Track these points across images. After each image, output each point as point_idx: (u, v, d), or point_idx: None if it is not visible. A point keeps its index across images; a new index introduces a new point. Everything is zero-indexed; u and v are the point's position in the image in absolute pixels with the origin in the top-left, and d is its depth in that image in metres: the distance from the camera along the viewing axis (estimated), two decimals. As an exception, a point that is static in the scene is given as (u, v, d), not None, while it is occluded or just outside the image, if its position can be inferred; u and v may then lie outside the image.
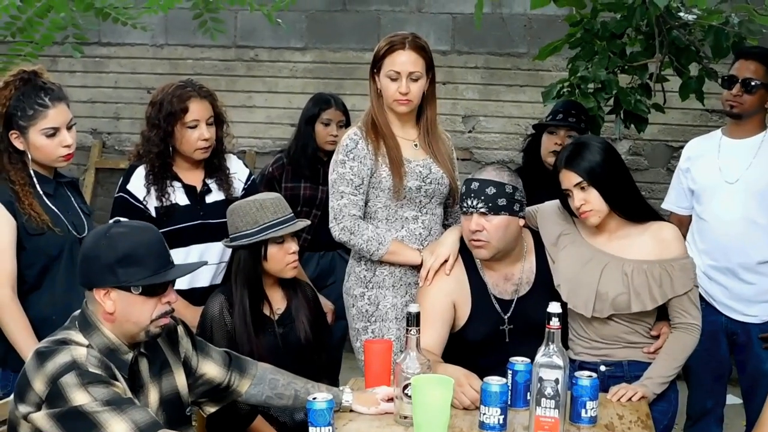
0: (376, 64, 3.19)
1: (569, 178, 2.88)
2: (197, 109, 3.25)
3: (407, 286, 3.19)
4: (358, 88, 5.62)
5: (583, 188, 2.86)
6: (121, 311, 2.27)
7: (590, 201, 2.86)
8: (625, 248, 2.91)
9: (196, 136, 3.24)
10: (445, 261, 3.01)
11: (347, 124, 4.30)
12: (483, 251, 2.93)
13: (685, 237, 3.54)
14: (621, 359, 2.95)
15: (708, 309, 3.45)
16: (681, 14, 3.92)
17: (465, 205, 2.92)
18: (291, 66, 5.91)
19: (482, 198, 2.90)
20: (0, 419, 2.41)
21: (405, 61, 3.12)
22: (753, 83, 3.49)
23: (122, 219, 3.12)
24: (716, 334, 3.49)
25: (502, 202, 2.90)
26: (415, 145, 3.23)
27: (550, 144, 3.91)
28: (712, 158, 3.59)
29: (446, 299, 2.96)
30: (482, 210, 2.90)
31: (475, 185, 2.92)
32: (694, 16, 3.91)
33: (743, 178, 3.49)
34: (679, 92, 4.16)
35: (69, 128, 2.97)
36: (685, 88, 4.13)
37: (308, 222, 3.16)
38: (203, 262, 2.56)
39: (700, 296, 3.18)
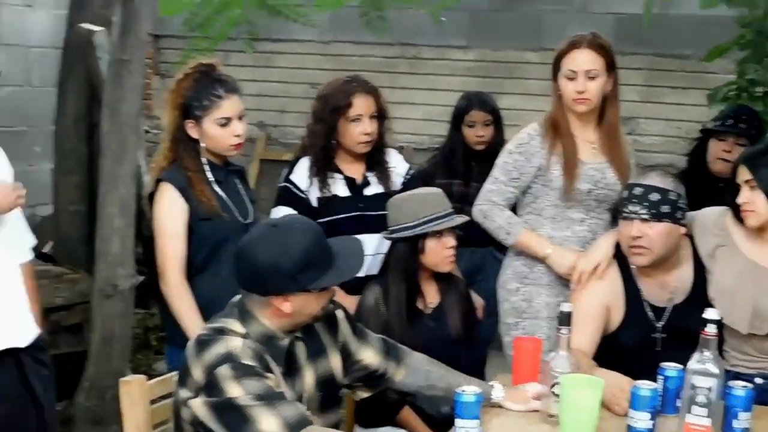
0: (556, 65, 3.20)
1: (741, 173, 2.82)
2: (361, 104, 3.33)
3: (563, 286, 3.19)
4: (519, 88, 5.64)
5: (752, 187, 2.80)
6: (299, 310, 2.33)
7: (754, 202, 2.79)
8: None
9: (359, 131, 3.33)
10: (598, 265, 3.00)
11: (495, 123, 4.33)
12: (642, 258, 2.88)
13: None
14: None
15: None
16: None
17: (626, 210, 2.87)
18: (452, 64, 5.96)
19: (645, 204, 2.85)
20: (167, 392, 2.55)
21: (582, 60, 3.13)
22: None
23: (283, 208, 3.26)
24: None
25: (665, 209, 2.85)
26: (594, 148, 3.22)
27: (717, 150, 3.81)
28: None
29: (600, 302, 2.93)
30: (644, 216, 2.84)
31: (638, 190, 2.87)
32: None
33: None
34: None
35: (240, 119, 3.10)
36: None
37: (467, 218, 3.21)
38: (363, 250, 2.52)
39: None
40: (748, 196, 2.80)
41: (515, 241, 3.22)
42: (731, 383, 2.50)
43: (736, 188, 2.85)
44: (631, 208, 2.86)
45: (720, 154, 3.78)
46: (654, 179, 2.92)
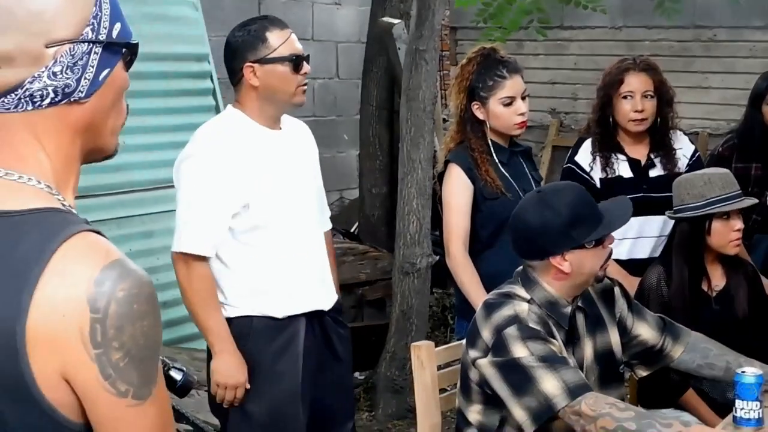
0: None
1: None
2: (633, 81, 3.36)
3: None
4: (822, 68, 5.31)
5: None
6: (578, 268, 2.41)
7: None
8: None
9: (629, 108, 3.35)
10: None
11: None
12: None
13: None
14: None
15: None
16: None
17: None
18: (750, 46, 5.72)
19: None
20: (453, 359, 2.73)
21: None
22: None
23: None
24: None
25: None
26: None
27: None
28: None
29: None
30: None
31: None
32: None
33: None
34: None
35: (523, 98, 3.21)
36: None
37: (756, 200, 3.12)
38: (629, 203, 2.58)
39: None
40: None
41: None
42: None
43: None
44: None
45: None
46: None
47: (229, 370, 2.73)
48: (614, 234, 2.52)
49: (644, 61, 3.45)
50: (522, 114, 3.20)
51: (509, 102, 3.18)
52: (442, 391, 2.70)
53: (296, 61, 2.79)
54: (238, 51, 2.78)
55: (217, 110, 4.71)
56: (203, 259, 2.74)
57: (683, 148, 3.49)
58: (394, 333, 4.06)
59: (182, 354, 3.81)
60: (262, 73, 2.75)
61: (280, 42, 2.77)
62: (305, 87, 2.86)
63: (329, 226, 3.15)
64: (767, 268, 3.70)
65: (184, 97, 4.67)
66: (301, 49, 2.85)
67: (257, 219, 2.76)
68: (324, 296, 2.94)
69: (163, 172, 4.25)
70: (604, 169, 3.40)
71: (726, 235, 3.03)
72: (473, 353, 2.40)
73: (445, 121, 6.19)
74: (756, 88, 4.26)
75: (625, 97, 3.37)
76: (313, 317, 2.89)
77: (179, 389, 1.41)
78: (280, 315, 2.81)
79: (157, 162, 4.30)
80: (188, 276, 2.74)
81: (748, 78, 5.14)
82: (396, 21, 5.38)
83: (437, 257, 4.33)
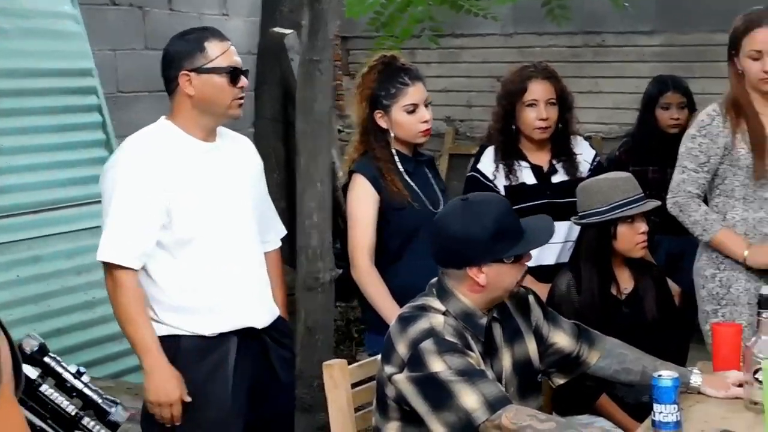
0: (734, 46, 3.11)
1: None
2: (536, 89, 3.36)
3: (761, 271, 3.09)
4: (708, 71, 5.46)
5: None
6: (493, 282, 2.38)
7: None
8: None
9: (534, 116, 3.35)
10: None
11: (689, 106, 4.23)
12: None
13: None
14: None
15: None
16: None
17: None
18: (639, 50, 5.85)
19: None
20: (366, 377, 2.65)
21: (765, 38, 3.03)
22: None
23: None
24: None
25: None
26: None
27: None
28: None
29: None
30: None
31: None
32: None
33: None
34: None
35: (426, 106, 3.18)
36: None
37: (659, 202, 3.16)
38: (551, 221, 2.58)
39: None
40: None
41: (711, 239, 3.14)
42: None
43: None
44: None
45: None
46: None
47: (162, 386, 2.64)
48: None
49: (545, 68, 3.45)
50: (426, 121, 3.16)
51: (412, 109, 3.14)
52: (357, 409, 2.62)
53: (234, 74, 2.74)
54: (175, 59, 2.73)
55: (104, 127, 4.54)
56: (129, 270, 2.65)
57: (584, 154, 3.51)
58: (300, 350, 3.95)
59: (122, 387, 3.63)
60: (198, 83, 2.71)
61: (218, 53, 2.73)
62: (242, 100, 2.81)
63: (277, 244, 3.09)
64: (668, 268, 3.76)
65: (68, 114, 4.47)
66: (240, 62, 2.81)
67: (182, 232, 2.69)
68: (259, 314, 2.86)
69: (50, 193, 4.07)
70: (507, 177, 3.40)
71: (632, 239, 3.05)
72: (389, 369, 2.35)
73: (340, 131, 6.12)
74: (648, 92, 4.35)
75: (529, 105, 3.36)
76: (248, 336, 2.81)
77: (109, 423, 1.33)
78: (208, 333, 2.73)
79: (43, 183, 4.12)
80: (114, 288, 2.66)
81: (638, 82, 5.25)
82: (288, 31, 5.29)
83: (340, 270, 4.27)
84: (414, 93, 3.14)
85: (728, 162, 3.12)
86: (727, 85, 3.28)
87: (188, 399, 2.68)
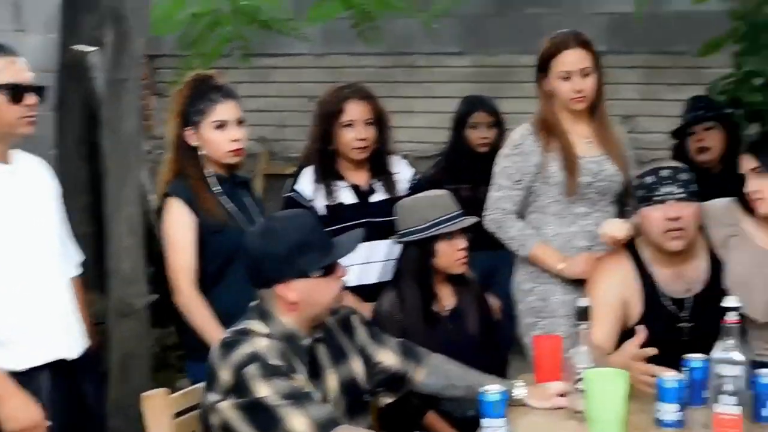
0: (544, 67, 3.20)
1: (747, 162, 2.82)
2: (353, 110, 3.35)
3: (577, 283, 3.17)
4: (516, 92, 5.62)
5: (760, 175, 2.79)
6: (305, 298, 2.35)
7: (764, 190, 2.79)
8: None
9: (351, 136, 3.34)
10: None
11: (498, 124, 4.35)
12: (679, 242, 2.84)
13: None
14: None
15: None
16: None
17: (658, 193, 2.84)
18: (448, 71, 5.97)
19: (679, 183, 2.83)
20: (188, 406, 2.53)
21: (574, 59, 3.14)
22: None
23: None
24: None
25: (695, 188, 2.86)
26: (589, 142, 3.23)
27: (692, 145, 3.96)
28: None
29: (616, 296, 2.92)
30: (680, 196, 2.82)
31: (666, 172, 2.86)
32: None
33: None
34: None
35: (239, 124, 3.10)
36: None
37: (477, 218, 3.21)
38: (361, 231, 2.62)
39: None
40: (757, 184, 2.80)
41: (528, 254, 3.21)
42: (758, 371, 2.49)
43: (740, 178, 2.86)
44: (664, 189, 2.83)
45: (697, 145, 3.94)
46: (673, 162, 2.95)
47: (22, 410, 2.49)
48: (342, 261, 2.47)
49: (361, 88, 3.45)
50: (236, 140, 3.08)
51: (221, 125, 3.06)
52: (181, 440, 2.50)
53: (15, 91, 2.58)
54: None
55: None
56: None
57: (402, 172, 3.53)
58: (115, 380, 3.76)
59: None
60: None
61: None
62: (32, 118, 2.65)
63: (76, 271, 2.93)
64: (483, 283, 3.81)
65: None
66: (29, 78, 2.65)
67: None
68: (69, 345, 2.72)
69: None
70: (326, 197, 3.37)
71: (452, 255, 3.08)
72: (213, 396, 2.28)
73: (149, 152, 5.89)
74: (458, 112, 4.45)
75: (346, 126, 3.34)
76: (60, 369, 2.66)
77: None
78: (20, 367, 2.56)
79: None
80: None
81: (448, 102, 5.36)
82: (90, 49, 5.05)
83: (155, 296, 4.10)
84: (223, 110, 3.06)
85: (541, 179, 3.20)
86: (535, 104, 3.38)
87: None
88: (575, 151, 3.18)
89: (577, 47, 3.15)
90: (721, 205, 2.98)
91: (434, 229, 3.05)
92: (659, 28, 5.42)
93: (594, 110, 3.24)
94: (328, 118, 3.37)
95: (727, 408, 2.35)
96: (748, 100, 3.86)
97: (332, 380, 2.47)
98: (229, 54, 4.72)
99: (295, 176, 3.47)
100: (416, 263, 3.09)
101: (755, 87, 3.89)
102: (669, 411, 2.44)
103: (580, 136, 3.23)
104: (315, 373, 2.41)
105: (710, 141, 3.93)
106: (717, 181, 3.77)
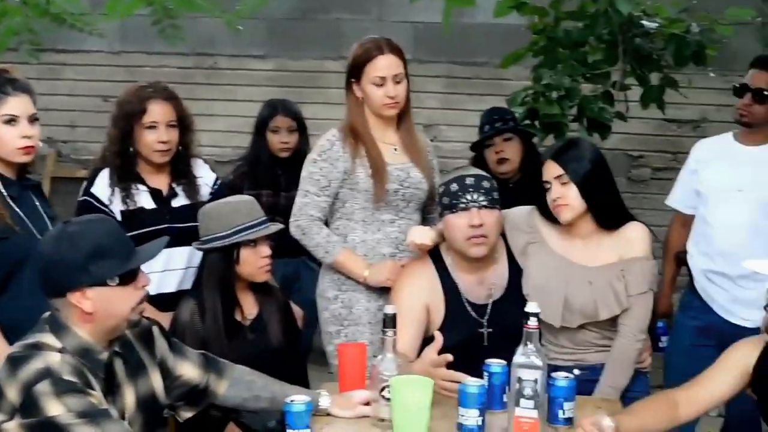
0: (355, 72, 3.18)
1: (551, 170, 2.89)
2: (156, 111, 3.23)
3: (381, 290, 3.17)
4: (320, 97, 5.62)
5: (563, 183, 2.87)
6: (102, 308, 2.22)
7: (567, 196, 2.87)
8: (592, 256, 2.92)
9: (153, 138, 3.22)
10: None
11: (299, 129, 4.31)
12: (482, 248, 2.89)
13: (687, 236, 3.60)
14: (594, 363, 2.94)
15: (704, 308, 3.50)
16: (644, 22, 3.97)
17: (463, 200, 2.87)
18: (251, 74, 5.88)
19: (482, 191, 2.88)
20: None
21: (387, 65, 3.14)
22: (764, 93, 3.44)
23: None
24: (708, 332, 3.47)
25: (496, 195, 2.92)
26: (395, 150, 3.24)
27: (492, 156, 4.03)
28: (722, 163, 3.54)
29: (420, 303, 2.94)
30: (483, 203, 2.87)
31: (470, 180, 2.90)
32: (657, 24, 3.97)
33: (753, 186, 3.44)
34: (641, 101, 4.22)
35: (32, 122, 2.93)
36: (646, 96, 4.19)
37: (282, 225, 3.15)
38: (166, 238, 2.52)
39: (698, 295, 3.34)
40: (560, 192, 2.88)
41: (333, 261, 3.18)
42: (554, 374, 2.56)
43: (538, 188, 2.94)
44: (468, 197, 2.87)
45: (495, 157, 4.01)
46: (476, 170, 2.99)
47: None
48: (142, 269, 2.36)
49: (165, 89, 3.33)
50: (27, 137, 2.90)
51: (11, 120, 2.88)
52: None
53: None
54: None
55: None
56: None
57: (205, 177, 3.42)
58: None
59: None
60: None
61: None
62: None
63: None
64: (284, 291, 3.75)
65: None
66: None
67: None
68: None
69: None
70: (124, 201, 3.23)
71: (255, 263, 3.02)
72: None
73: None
74: (260, 116, 4.37)
75: (149, 128, 3.21)
76: None
77: None
78: None
79: None
80: None
81: (250, 106, 5.27)
82: None
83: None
84: (15, 104, 2.89)
85: (348, 186, 3.18)
86: (338, 110, 3.35)
87: None
88: (383, 158, 3.18)
89: (390, 53, 3.16)
90: (521, 212, 3.05)
91: (238, 235, 2.98)
92: (462, 39, 5.53)
93: (401, 118, 3.25)
94: (129, 118, 3.22)
95: (526, 411, 2.41)
96: (546, 111, 3.97)
97: (129, 396, 2.35)
98: (16, 48, 4.42)
99: (90, 179, 3.30)
100: (218, 271, 3.00)
101: (552, 100, 4.02)
102: (471, 416, 2.46)
103: (388, 143, 3.24)
104: (111, 389, 2.29)
105: (509, 152, 4.02)
106: (515, 190, 3.89)
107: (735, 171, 3.49)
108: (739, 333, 3.45)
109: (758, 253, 3.38)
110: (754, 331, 3.45)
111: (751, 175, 3.46)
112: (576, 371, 2.89)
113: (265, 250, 3.03)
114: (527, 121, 4.05)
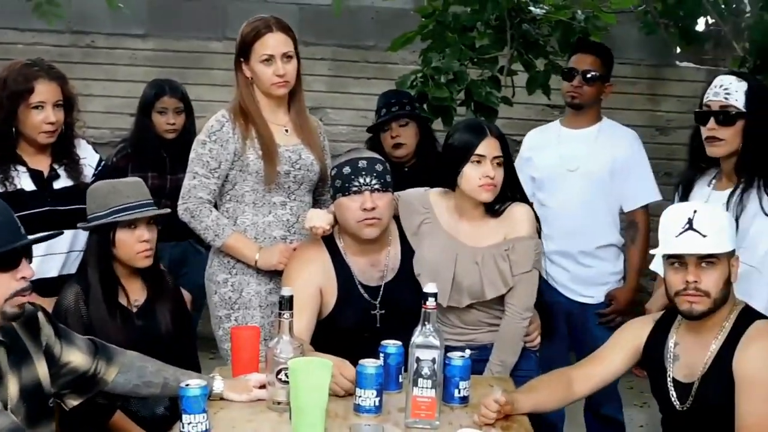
0: (244, 52, 3.12)
1: (492, 148, 2.87)
2: (44, 91, 3.11)
3: (272, 273, 3.12)
4: (203, 78, 5.51)
5: (499, 164, 2.89)
6: None
7: (496, 177, 2.87)
8: (481, 236, 2.95)
9: (40, 119, 3.10)
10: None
11: (186, 110, 4.21)
12: (374, 230, 2.89)
13: None
14: (485, 343, 2.98)
15: (550, 290, 3.63)
16: (531, 8, 4.04)
17: (356, 183, 2.86)
18: (131, 54, 5.71)
19: (374, 174, 2.88)
20: None
21: (276, 43, 3.08)
22: (591, 74, 3.70)
23: None
24: (557, 314, 3.57)
25: (389, 178, 2.92)
26: (286, 131, 3.19)
27: (388, 140, 4.05)
28: (552, 148, 3.77)
29: (312, 286, 2.91)
30: (376, 187, 2.87)
31: (363, 163, 2.89)
32: (543, 11, 4.04)
33: (583, 166, 3.68)
34: (527, 86, 4.29)
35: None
36: (532, 82, 4.26)
37: (164, 211, 3.05)
38: (60, 231, 2.44)
39: (544, 279, 3.35)
40: (492, 171, 2.86)
41: (223, 244, 3.11)
42: (450, 354, 2.58)
43: (433, 171, 2.96)
44: (361, 180, 2.87)
45: (392, 142, 4.03)
46: (368, 153, 2.99)
47: None
48: None
49: (51, 67, 3.19)
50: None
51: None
52: None
53: None
54: None
55: None
56: None
57: (88, 158, 3.31)
58: None
59: None
60: None
61: None
62: None
63: None
64: (172, 274, 3.66)
65: None
66: None
67: None
68: None
69: None
70: (2, 183, 3.09)
71: (132, 246, 2.91)
72: None
73: None
74: (144, 96, 4.24)
75: (35, 108, 3.09)
76: None
77: None
78: None
79: None
80: None
81: (131, 86, 5.14)
82: None
83: None
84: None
85: (238, 168, 3.12)
86: (223, 92, 3.28)
87: None
88: (274, 139, 3.13)
89: (279, 31, 3.10)
90: (416, 192, 3.07)
91: (112, 216, 2.88)
92: (349, 22, 5.51)
93: (292, 99, 3.20)
94: (15, 98, 3.08)
95: (424, 391, 2.42)
96: (435, 95, 3.99)
97: (13, 386, 2.25)
98: None
99: (-36, 162, 3.13)
100: (96, 253, 2.90)
101: (441, 83, 4.03)
102: (368, 397, 2.47)
103: (279, 124, 3.19)
104: None
105: (405, 137, 4.04)
106: (410, 174, 3.91)
107: (565, 153, 3.72)
108: (584, 311, 3.70)
109: (593, 230, 3.64)
110: (599, 307, 3.70)
111: (580, 156, 3.69)
112: (468, 351, 2.92)
113: (144, 234, 2.91)
114: (416, 104, 4.06)
